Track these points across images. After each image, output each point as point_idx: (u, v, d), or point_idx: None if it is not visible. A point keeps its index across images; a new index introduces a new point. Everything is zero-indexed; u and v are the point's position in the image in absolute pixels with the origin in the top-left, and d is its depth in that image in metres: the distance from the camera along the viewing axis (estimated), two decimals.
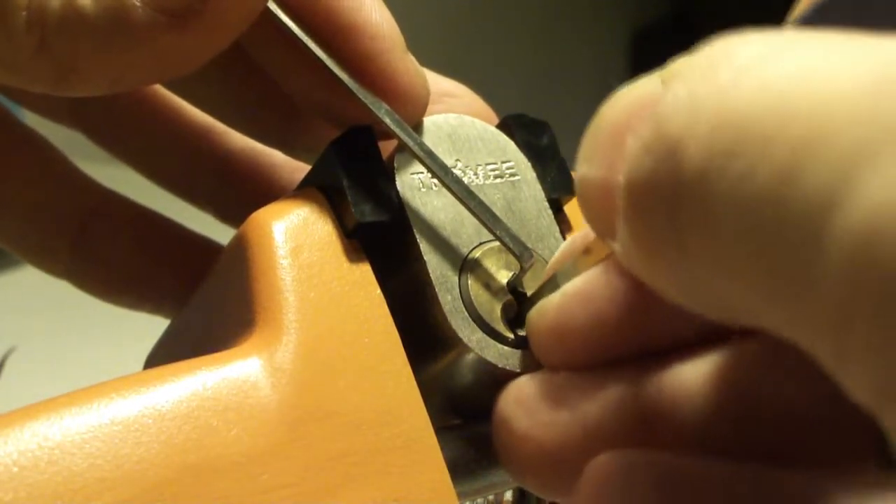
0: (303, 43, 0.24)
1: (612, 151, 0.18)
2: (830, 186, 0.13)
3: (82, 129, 0.32)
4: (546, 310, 0.22)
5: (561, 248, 0.23)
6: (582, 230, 0.22)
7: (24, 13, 0.21)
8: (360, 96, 0.24)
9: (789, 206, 0.14)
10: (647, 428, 0.21)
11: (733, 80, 0.15)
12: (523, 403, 0.22)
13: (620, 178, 0.17)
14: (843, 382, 0.14)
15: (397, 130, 0.24)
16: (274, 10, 0.24)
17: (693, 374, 0.21)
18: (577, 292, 0.22)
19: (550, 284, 0.23)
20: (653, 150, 0.16)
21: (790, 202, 0.14)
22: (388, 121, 0.24)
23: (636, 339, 0.21)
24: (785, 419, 0.19)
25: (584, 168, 0.19)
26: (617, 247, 0.18)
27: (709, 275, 0.16)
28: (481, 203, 0.24)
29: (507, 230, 0.24)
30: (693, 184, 0.15)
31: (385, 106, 0.24)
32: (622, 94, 0.18)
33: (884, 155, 0.13)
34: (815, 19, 0.18)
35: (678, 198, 0.15)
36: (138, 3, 0.21)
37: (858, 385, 0.13)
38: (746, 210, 0.14)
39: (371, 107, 0.24)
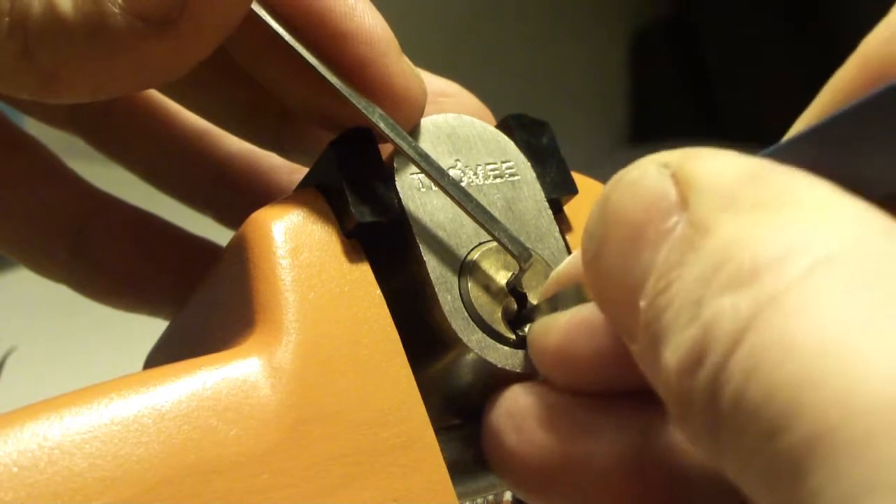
0: (294, 49, 0.24)
1: (630, 257, 0.17)
2: None
3: (80, 134, 0.32)
4: (550, 330, 0.22)
5: (564, 267, 0.23)
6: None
7: (6, 19, 0.21)
8: (354, 101, 0.24)
9: (797, 499, 0.13)
10: (636, 475, 0.21)
11: (786, 323, 0.14)
12: (514, 418, 0.22)
13: (642, 304, 0.17)
14: None
15: (391, 135, 0.24)
16: (264, 18, 0.24)
17: None
18: (583, 321, 0.21)
19: (555, 296, 0.23)
20: (696, 357, 0.15)
21: (799, 494, 0.13)
22: (381, 125, 0.24)
23: (639, 378, 0.21)
24: None
25: (598, 260, 0.18)
26: (635, 349, 0.18)
27: (725, 464, 0.15)
28: (478, 205, 0.24)
29: (505, 231, 0.24)
30: (729, 413, 0.15)
31: (379, 110, 0.24)
32: (632, 183, 0.18)
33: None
34: (789, 152, 0.18)
35: (716, 416, 0.15)
36: (117, 10, 0.21)
37: None
38: (770, 465, 0.14)
39: (364, 111, 0.24)
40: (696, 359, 0.15)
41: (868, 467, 0.13)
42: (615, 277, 0.18)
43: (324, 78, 0.24)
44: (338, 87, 0.24)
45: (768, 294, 0.15)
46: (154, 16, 0.21)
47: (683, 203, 0.17)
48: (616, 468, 0.21)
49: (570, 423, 0.22)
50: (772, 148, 0.18)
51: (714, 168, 0.17)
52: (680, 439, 0.21)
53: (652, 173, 0.18)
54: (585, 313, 0.21)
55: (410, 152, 0.24)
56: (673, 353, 0.16)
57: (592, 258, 0.19)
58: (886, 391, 0.13)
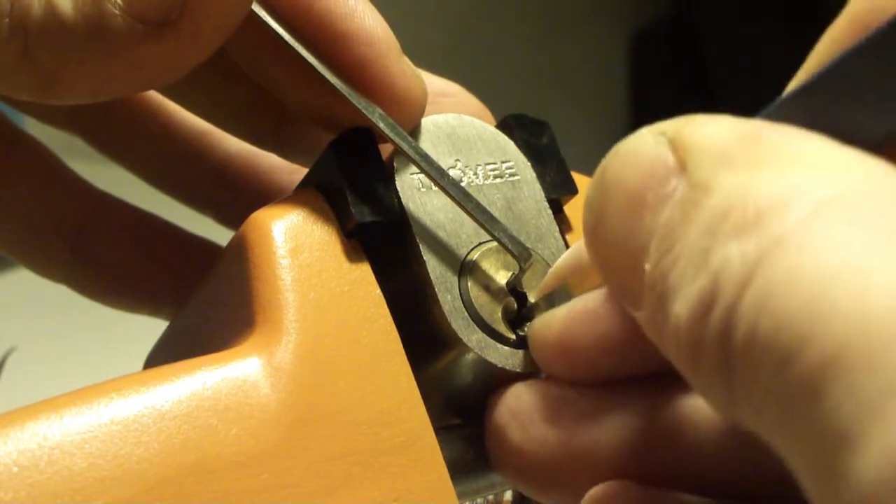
0: (294, 50, 0.24)
1: (630, 222, 0.18)
2: (850, 419, 0.13)
3: (80, 134, 0.32)
4: (550, 323, 0.22)
5: (563, 260, 0.23)
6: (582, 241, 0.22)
7: (6, 20, 0.21)
8: (354, 101, 0.24)
9: (814, 420, 0.14)
10: (644, 458, 0.21)
11: (796, 257, 0.14)
12: (518, 415, 0.22)
13: (647, 266, 0.17)
14: None
15: (391, 135, 0.24)
16: (264, 19, 0.24)
17: (698, 409, 0.21)
18: (584, 310, 0.21)
19: (554, 293, 0.23)
20: (707, 303, 0.16)
21: (816, 415, 0.14)
22: (381, 125, 0.24)
23: (641, 362, 0.21)
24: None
25: (599, 229, 0.18)
26: (641, 316, 0.18)
27: (740, 411, 0.16)
28: (478, 205, 0.24)
29: (504, 231, 0.24)
30: (742, 351, 0.15)
31: (379, 110, 0.24)
32: (629, 153, 0.18)
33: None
34: (787, 108, 0.18)
35: (729, 358, 0.15)
36: (117, 12, 0.21)
37: None
38: (785, 394, 0.14)
39: (364, 111, 0.24)
40: (706, 305, 0.15)
41: (883, 376, 0.13)
42: (618, 244, 0.18)
43: (324, 78, 0.24)
44: (338, 87, 0.24)
45: (774, 235, 0.15)
46: (153, 17, 0.21)
47: (681, 167, 0.17)
48: (622, 454, 0.21)
49: (573, 414, 0.22)
50: (766, 109, 0.18)
51: (710, 131, 0.17)
52: (684, 420, 0.21)
53: (648, 141, 0.18)
54: (584, 303, 0.22)
55: (410, 152, 0.24)
56: (683, 306, 0.16)
57: (593, 228, 0.19)
58: None
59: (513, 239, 0.24)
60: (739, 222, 0.15)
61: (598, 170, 0.19)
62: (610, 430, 0.21)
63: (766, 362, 0.14)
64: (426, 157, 0.24)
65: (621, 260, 0.18)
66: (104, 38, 0.21)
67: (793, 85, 0.21)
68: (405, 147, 0.24)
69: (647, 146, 0.18)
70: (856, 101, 0.17)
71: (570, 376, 0.22)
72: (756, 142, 0.16)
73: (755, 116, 0.18)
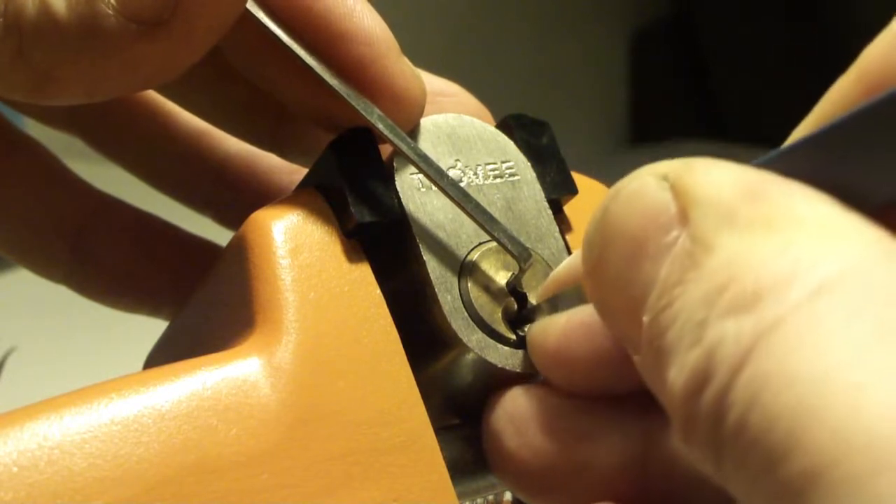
0: (292, 50, 0.24)
1: (630, 269, 0.18)
2: None
3: (79, 134, 0.32)
4: (549, 331, 0.22)
5: (563, 267, 0.23)
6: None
7: (0, 20, 0.21)
8: (353, 102, 0.24)
9: None
10: (637, 481, 0.21)
11: (791, 349, 0.14)
12: (515, 421, 0.22)
13: (645, 318, 0.17)
14: None
15: (390, 135, 0.24)
16: (261, 19, 0.24)
17: None
18: (581, 323, 0.21)
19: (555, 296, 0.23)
20: (701, 380, 0.16)
21: None
22: (381, 126, 0.24)
23: (638, 379, 0.21)
24: None
25: (599, 271, 0.18)
26: (638, 359, 0.18)
27: (728, 483, 0.16)
28: (478, 205, 0.24)
29: (504, 231, 0.24)
30: (732, 438, 0.15)
31: (378, 111, 0.24)
32: (631, 196, 0.18)
33: None
34: (785, 160, 0.18)
35: (720, 440, 0.15)
36: (111, 12, 0.21)
37: None
38: (771, 491, 0.14)
39: (363, 112, 0.24)
40: (700, 382, 0.15)
41: (866, 502, 0.13)
42: (617, 289, 0.18)
43: (322, 79, 0.24)
44: (336, 88, 0.24)
45: (770, 319, 0.15)
46: (146, 17, 0.21)
47: (683, 217, 0.17)
48: (617, 473, 0.21)
49: (570, 428, 0.22)
50: (769, 155, 0.18)
51: (713, 181, 0.17)
52: (680, 447, 0.21)
53: (651, 186, 0.18)
54: (583, 316, 0.21)
55: (410, 153, 0.24)
56: (678, 375, 0.16)
57: (593, 268, 0.19)
58: (886, 427, 0.13)
59: (512, 239, 0.24)
60: (738, 298, 0.15)
61: (600, 209, 0.19)
62: (605, 450, 0.21)
63: (754, 457, 0.14)
64: (425, 158, 0.24)
65: (620, 304, 0.18)
66: (98, 37, 0.21)
67: (798, 133, 0.20)
68: (404, 148, 0.24)
69: (649, 190, 0.18)
70: (863, 161, 0.17)
71: (568, 385, 0.22)
72: (759, 199, 0.16)
73: (758, 161, 0.18)
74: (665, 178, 0.18)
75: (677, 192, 0.17)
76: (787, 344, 0.14)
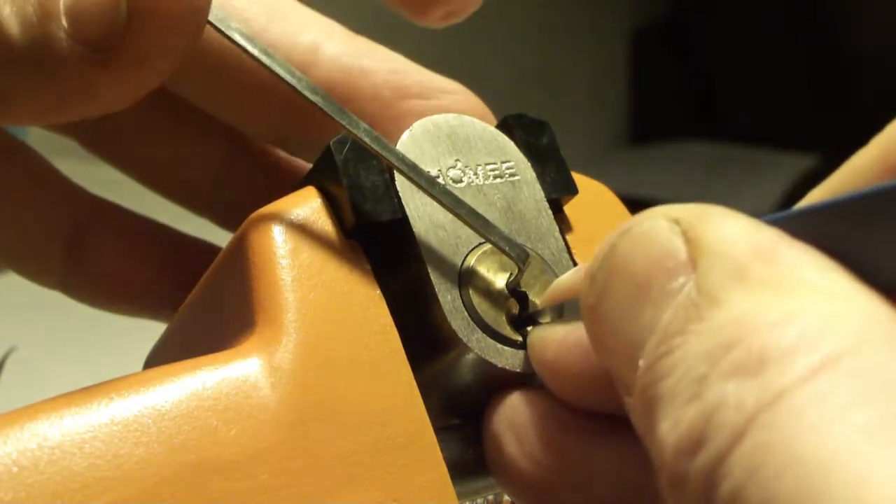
0: (268, 68, 0.23)
1: (632, 311, 0.17)
2: None
3: (76, 137, 0.32)
4: (547, 342, 0.22)
5: (565, 279, 0.23)
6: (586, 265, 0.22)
7: None
8: (336, 117, 0.23)
9: None
10: (635, 498, 0.21)
11: (793, 426, 0.14)
12: (515, 427, 0.22)
13: (641, 363, 0.17)
14: None
15: (378, 149, 0.23)
16: (235, 39, 0.23)
17: None
18: (577, 342, 0.21)
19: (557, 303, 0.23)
20: (695, 441, 0.15)
21: None
22: (366, 139, 0.23)
23: None
24: None
25: (600, 308, 0.18)
26: (629, 402, 0.17)
27: None
28: (472, 210, 0.24)
29: (500, 234, 0.24)
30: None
31: (364, 125, 0.23)
32: (641, 235, 0.18)
33: None
34: (798, 222, 0.17)
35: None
36: (63, 35, 0.21)
37: None
38: None
39: (348, 127, 0.23)
40: (695, 443, 0.15)
41: None
42: (615, 328, 0.18)
43: (303, 96, 0.23)
44: (319, 104, 0.23)
45: (775, 390, 0.14)
46: (94, 42, 0.21)
47: (692, 264, 0.17)
48: (613, 496, 0.21)
49: (570, 446, 0.21)
50: (784, 213, 0.18)
51: (726, 233, 0.17)
52: None
53: (662, 228, 0.17)
54: (580, 333, 0.21)
55: (397, 164, 0.23)
56: (671, 429, 0.16)
57: (594, 304, 0.18)
58: None
59: (509, 241, 0.24)
60: (742, 361, 0.15)
61: (607, 244, 0.18)
62: (602, 470, 0.21)
63: None
64: (414, 168, 0.23)
65: (617, 344, 0.18)
66: (50, 61, 0.21)
67: (814, 196, 0.20)
68: (392, 159, 0.23)
69: (660, 232, 0.17)
70: (877, 239, 0.16)
71: (565, 397, 0.22)
72: (772, 260, 0.16)
73: (771, 217, 0.18)
74: (677, 222, 0.17)
75: (689, 238, 0.17)
76: (789, 419, 0.14)
